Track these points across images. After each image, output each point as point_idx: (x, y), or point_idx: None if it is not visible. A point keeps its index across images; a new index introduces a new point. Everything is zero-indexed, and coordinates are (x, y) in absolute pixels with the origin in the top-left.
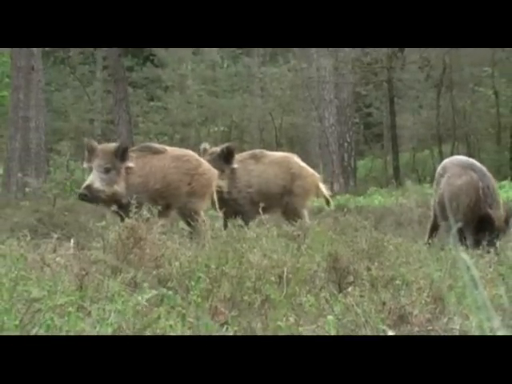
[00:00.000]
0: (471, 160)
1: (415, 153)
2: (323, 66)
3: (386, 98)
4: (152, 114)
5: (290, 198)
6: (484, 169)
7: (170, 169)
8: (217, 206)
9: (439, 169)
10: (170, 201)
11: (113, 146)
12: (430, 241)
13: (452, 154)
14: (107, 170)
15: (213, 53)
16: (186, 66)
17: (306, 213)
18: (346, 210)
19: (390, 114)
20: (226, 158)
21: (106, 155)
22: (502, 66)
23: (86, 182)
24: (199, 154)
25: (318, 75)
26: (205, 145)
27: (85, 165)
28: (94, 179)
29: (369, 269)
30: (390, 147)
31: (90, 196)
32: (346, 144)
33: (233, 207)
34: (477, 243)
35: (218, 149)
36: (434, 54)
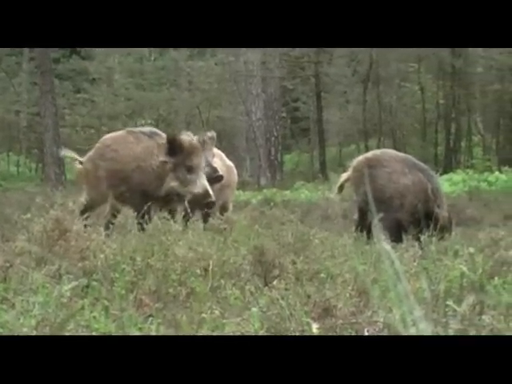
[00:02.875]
0: (410, 157)
1: (342, 147)
2: (251, 60)
3: (313, 92)
4: (79, 107)
5: (228, 191)
6: (427, 168)
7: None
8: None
9: (364, 160)
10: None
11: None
12: (356, 234)
13: (378, 148)
14: None
15: None
16: (113, 59)
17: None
18: (272, 203)
19: (316, 109)
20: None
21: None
22: (427, 62)
23: None
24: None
25: (245, 69)
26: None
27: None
28: None
29: (294, 262)
30: (316, 142)
31: None
32: (272, 138)
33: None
34: (418, 240)
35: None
36: (361, 49)
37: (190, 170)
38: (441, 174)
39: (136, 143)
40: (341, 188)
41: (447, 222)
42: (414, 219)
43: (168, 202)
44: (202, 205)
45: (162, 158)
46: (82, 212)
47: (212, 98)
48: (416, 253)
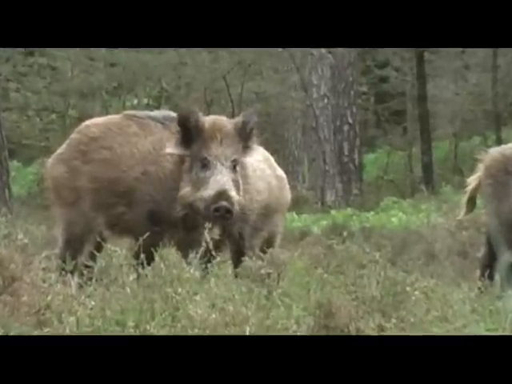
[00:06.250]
0: None
1: (458, 141)
2: None
3: (412, 52)
4: (31, 78)
5: (277, 216)
6: None
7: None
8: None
9: (501, 159)
10: None
11: None
12: (482, 282)
13: None
14: None
15: None
16: None
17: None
18: (345, 233)
19: (417, 80)
20: None
21: None
22: None
23: None
24: None
25: None
26: None
27: None
28: None
29: (382, 328)
30: (417, 132)
31: None
32: (346, 127)
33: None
34: None
35: None
36: None
37: (205, 164)
38: None
39: (143, 135)
40: (472, 202)
41: None
42: None
43: (192, 225)
44: (212, 216)
45: (171, 149)
46: (64, 256)
47: (246, 62)
48: None
